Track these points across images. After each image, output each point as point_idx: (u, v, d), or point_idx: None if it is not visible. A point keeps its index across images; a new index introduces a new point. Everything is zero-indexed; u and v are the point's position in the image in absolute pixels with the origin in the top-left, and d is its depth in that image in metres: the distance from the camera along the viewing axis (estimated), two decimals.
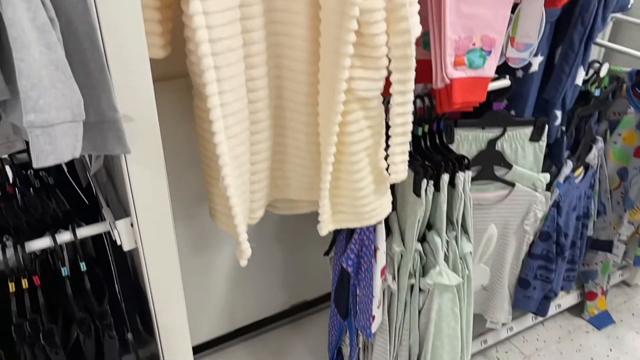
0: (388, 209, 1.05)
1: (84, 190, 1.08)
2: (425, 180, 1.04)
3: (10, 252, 0.79)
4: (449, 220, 1.12)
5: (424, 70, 0.98)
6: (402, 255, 1.13)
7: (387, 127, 0.94)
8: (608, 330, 1.70)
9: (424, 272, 1.15)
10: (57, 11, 0.57)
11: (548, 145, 1.22)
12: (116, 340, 0.88)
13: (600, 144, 1.40)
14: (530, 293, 1.42)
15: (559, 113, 1.20)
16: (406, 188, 1.09)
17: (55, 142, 0.58)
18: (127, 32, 0.65)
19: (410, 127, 0.93)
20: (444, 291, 1.14)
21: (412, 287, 1.16)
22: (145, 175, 0.76)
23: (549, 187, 1.28)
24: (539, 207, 1.26)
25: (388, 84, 0.88)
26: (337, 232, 1.20)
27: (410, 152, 0.97)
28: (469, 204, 1.11)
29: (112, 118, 0.65)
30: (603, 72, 1.26)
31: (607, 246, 1.61)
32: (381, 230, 1.09)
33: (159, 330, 0.90)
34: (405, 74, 0.86)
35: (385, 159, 0.96)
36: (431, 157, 1.09)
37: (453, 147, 1.16)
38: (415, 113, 0.96)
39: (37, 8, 0.54)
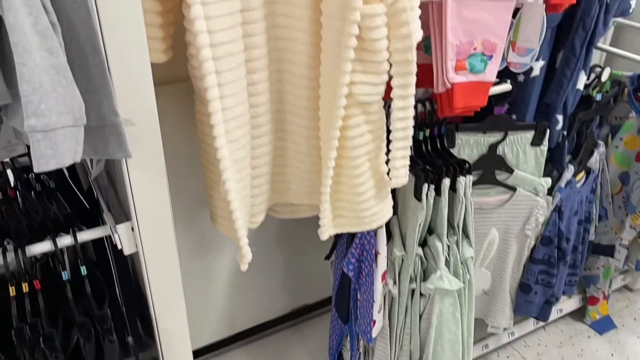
0: (389, 213, 1.04)
1: (85, 193, 1.08)
2: (426, 185, 1.04)
3: (11, 255, 0.79)
4: (450, 225, 1.11)
5: (425, 75, 0.99)
6: (403, 260, 1.12)
7: (388, 131, 0.94)
8: (610, 335, 1.70)
9: (425, 276, 1.14)
10: (59, 16, 0.57)
11: (549, 149, 1.22)
12: (116, 345, 0.87)
13: (601, 148, 1.39)
14: (532, 298, 1.41)
15: (560, 117, 1.20)
16: (407, 192, 1.08)
17: (56, 147, 0.58)
18: (128, 36, 0.65)
19: (411, 132, 0.93)
20: (445, 296, 1.14)
21: (413, 291, 1.16)
22: (146, 179, 0.76)
23: (550, 191, 1.27)
24: (540, 211, 1.26)
25: (389, 88, 0.88)
26: (338, 237, 1.20)
27: (411, 157, 0.97)
28: (470, 208, 1.11)
29: (113, 122, 0.65)
30: (604, 77, 1.26)
31: (609, 251, 1.60)
32: (382, 235, 1.09)
33: (159, 334, 0.90)
34: (406, 78, 0.86)
35: (386, 163, 0.96)
36: (432, 161, 1.09)
37: (454, 151, 1.15)
38: (416, 117, 0.96)
39: (38, 13, 0.54)
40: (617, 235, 1.59)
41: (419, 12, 0.84)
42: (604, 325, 1.71)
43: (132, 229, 0.80)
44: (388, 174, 0.97)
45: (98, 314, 0.85)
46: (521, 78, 1.15)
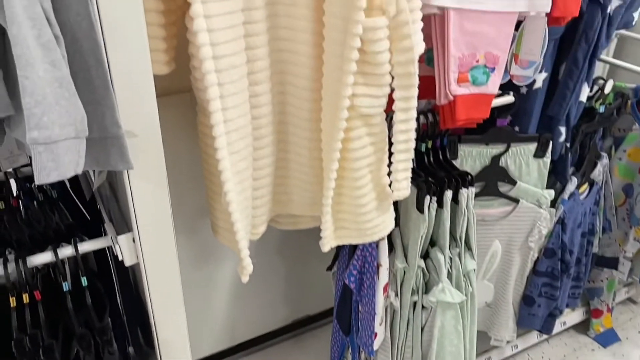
0: (391, 225, 1.04)
1: (87, 203, 1.08)
2: (428, 197, 1.04)
3: (12, 266, 0.79)
4: (452, 237, 1.11)
5: (427, 87, 0.99)
6: (404, 272, 1.12)
7: (390, 143, 0.93)
8: (614, 348, 1.68)
9: (427, 289, 1.14)
10: (62, 28, 0.57)
11: (552, 161, 1.22)
12: (116, 356, 0.87)
13: (605, 160, 1.39)
14: (535, 310, 1.40)
15: (563, 129, 1.20)
16: (409, 204, 1.08)
17: (58, 159, 0.58)
18: (131, 48, 0.66)
19: (413, 144, 0.93)
20: (447, 309, 1.13)
21: (414, 304, 1.15)
22: (148, 190, 0.76)
23: (553, 203, 1.27)
24: (543, 223, 1.25)
25: (391, 100, 0.88)
26: (339, 248, 1.20)
27: (413, 168, 0.97)
28: (472, 220, 1.10)
29: (116, 134, 0.65)
30: (607, 89, 1.26)
31: (613, 263, 1.59)
32: (384, 247, 1.08)
33: (159, 344, 0.90)
34: (408, 91, 0.86)
35: (388, 175, 0.96)
36: (434, 173, 1.08)
37: (457, 163, 1.15)
38: (418, 129, 0.96)
39: (42, 25, 0.54)
40: (620, 247, 1.58)
41: (421, 25, 0.84)
42: (607, 338, 1.70)
43: (133, 240, 0.80)
44: (390, 185, 0.96)
45: (98, 326, 0.85)
46: (524, 90, 1.15)
